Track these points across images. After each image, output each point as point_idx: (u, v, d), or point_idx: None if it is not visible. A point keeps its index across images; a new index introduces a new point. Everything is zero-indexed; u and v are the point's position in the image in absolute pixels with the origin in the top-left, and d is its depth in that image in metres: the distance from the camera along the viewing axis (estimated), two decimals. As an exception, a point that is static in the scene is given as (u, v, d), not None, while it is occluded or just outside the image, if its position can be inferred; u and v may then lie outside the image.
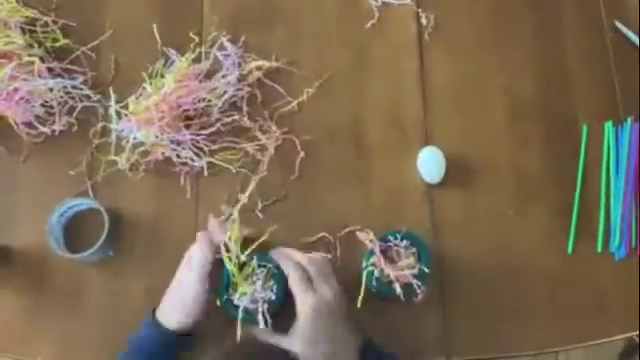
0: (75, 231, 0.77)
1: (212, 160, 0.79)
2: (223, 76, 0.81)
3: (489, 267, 0.75)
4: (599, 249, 0.76)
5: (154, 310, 0.69)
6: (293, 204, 0.78)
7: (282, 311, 0.68)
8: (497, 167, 0.80)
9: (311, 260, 0.67)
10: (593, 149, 0.80)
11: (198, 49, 0.83)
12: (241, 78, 0.82)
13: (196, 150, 0.79)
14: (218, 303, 0.68)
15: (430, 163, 0.77)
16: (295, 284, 0.64)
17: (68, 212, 0.77)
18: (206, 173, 0.78)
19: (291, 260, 0.67)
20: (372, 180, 0.79)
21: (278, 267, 0.68)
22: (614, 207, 0.77)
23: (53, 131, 0.80)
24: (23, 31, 0.82)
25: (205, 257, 0.66)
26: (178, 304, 0.68)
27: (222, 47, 0.83)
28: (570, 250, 0.76)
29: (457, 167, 0.79)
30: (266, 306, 0.66)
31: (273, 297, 0.67)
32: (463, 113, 0.82)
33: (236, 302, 0.67)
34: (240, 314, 0.65)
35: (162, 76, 0.79)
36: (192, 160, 0.78)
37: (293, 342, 0.64)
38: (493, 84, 0.83)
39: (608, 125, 0.81)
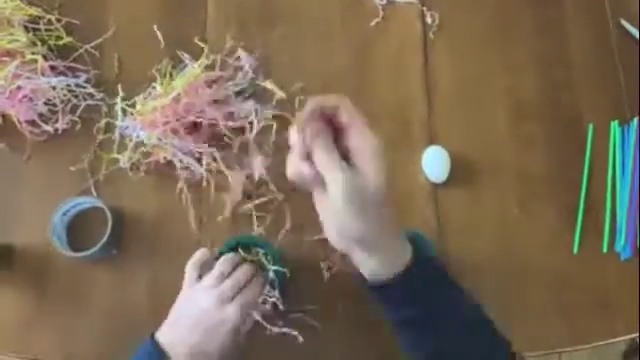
0: (78, 230, 0.77)
1: (211, 169, 0.78)
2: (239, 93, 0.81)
3: (494, 266, 0.75)
4: (605, 249, 0.76)
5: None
6: (296, 203, 0.78)
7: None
8: (502, 166, 0.79)
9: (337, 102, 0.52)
10: (599, 149, 0.80)
11: (212, 57, 0.82)
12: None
13: (198, 156, 0.78)
14: None
15: (435, 162, 0.77)
16: (322, 166, 0.49)
17: (71, 211, 0.77)
18: (205, 184, 0.78)
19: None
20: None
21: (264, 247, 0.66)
22: (620, 207, 0.77)
23: (56, 129, 0.80)
24: (26, 29, 0.81)
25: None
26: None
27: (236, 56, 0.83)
28: (575, 250, 0.76)
29: (462, 166, 0.79)
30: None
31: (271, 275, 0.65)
32: (468, 112, 0.82)
33: None
34: None
35: (171, 77, 0.79)
36: (193, 167, 0.78)
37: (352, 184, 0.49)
38: (498, 83, 0.83)
39: (614, 124, 0.80)
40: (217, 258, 0.64)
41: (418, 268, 0.53)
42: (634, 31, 0.85)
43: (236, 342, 0.61)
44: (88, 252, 0.72)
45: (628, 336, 0.74)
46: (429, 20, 0.85)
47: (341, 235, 0.51)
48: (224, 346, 0.60)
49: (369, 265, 0.53)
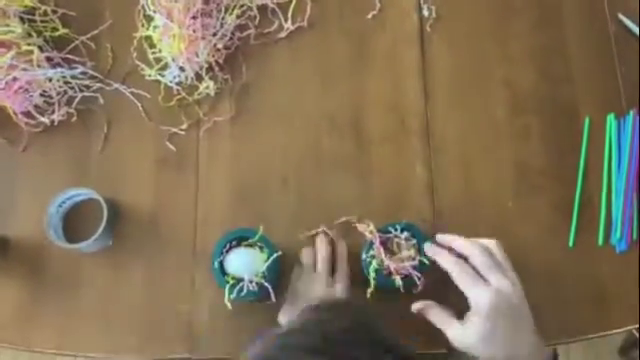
0: (74, 221, 0.77)
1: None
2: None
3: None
4: (600, 242, 0.76)
5: None
6: (292, 196, 0.78)
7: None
8: (498, 159, 0.79)
9: (477, 248, 0.62)
10: (595, 141, 0.80)
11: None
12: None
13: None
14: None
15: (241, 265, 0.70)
16: (461, 281, 0.60)
17: (67, 202, 0.77)
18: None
19: (449, 256, 0.63)
20: (372, 171, 0.79)
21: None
22: (615, 200, 0.77)
23: (52, 121, 0.80)
24: (22, 20, 0.81)
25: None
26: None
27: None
28: (571, 243, 0.76)
29: (457, 158, 0.79)
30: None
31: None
32: (464, 104, 0.81)
33: None
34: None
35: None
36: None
37: (468, 334, 0.59)
38: (494, 76, 0.83)
39: (610, 117, 0.80)
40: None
41: None
42: (632, 25, 0.84)
43: None
44: (83, 244, 0.72)
45: (623, 328, 0.74)
46: (426, 13, 0.85)
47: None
48: None
49: None
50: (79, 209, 0.77)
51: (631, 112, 0.80)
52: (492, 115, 0.81)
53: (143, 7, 0.82)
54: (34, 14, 0.83)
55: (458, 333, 0.60)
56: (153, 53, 0.81)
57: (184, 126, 0.80)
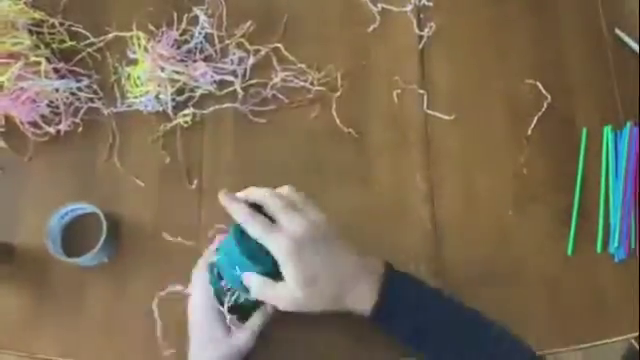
0: (75, 235, 0.78)
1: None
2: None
3: (488, 268, 0.76)
4: (599, 250, 0.77)
5: None
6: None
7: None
8: (497, 169, 0.80)
9: (267, 192, 0.58)
10: (592, 152, 0.81)
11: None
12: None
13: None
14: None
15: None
16: (254, 231, 0.55)
17: (69, 214, 0.77)
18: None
19: (243, 207, 0.57)
20: (373, 181, 0.80)
21: None
22: (613, 209, 0.78)
23: (58, 131, 0.81)
24: (30, 32, 0.83)
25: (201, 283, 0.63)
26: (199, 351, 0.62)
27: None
28: (570, 251, 0.77)
29: (457, 169, 0.80)
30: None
31: None
32: (463, 116, 0.83)
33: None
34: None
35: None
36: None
37: (291, 289, 0.56)
38: (493, 88, 0.84)
39: (607, 129, 0.82)
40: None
41: (392, 286, 0.58)
42: (628, 40, 0.86)
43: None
44: (80, 258, 0.73)
45: (622, 337, 0.74)
46: (425, 27, 0.87)
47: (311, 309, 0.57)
48: None
49: (350, 307, 0.59)
50: (81, 223, 0.78)
51: (628, 124, 0.81)
52: (491, 126, 0.83)
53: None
54: (42, 26, 0.84)
55: (285, 295, 0.56)
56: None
57: (187, 138, 0.82)
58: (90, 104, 0.82)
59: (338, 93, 0.83)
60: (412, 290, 0.60)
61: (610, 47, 0.86)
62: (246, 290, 0.59)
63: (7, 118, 0.81)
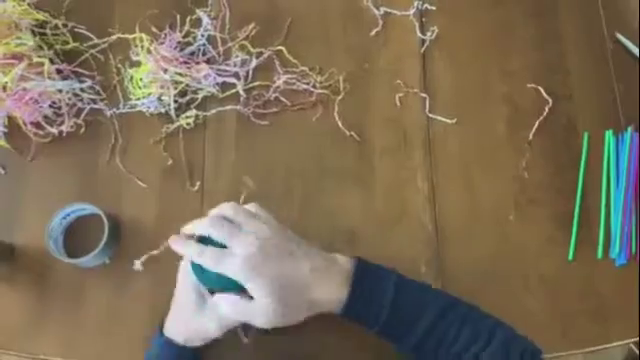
0: (76, 235, 0.78)
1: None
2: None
3: (489, 272, 0.76)
4: (599, 255, 0.77)
5: (161, 327, 0.66)
6: (296, 208, 0.79)
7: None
8: (498, 173, 0.81)
9: (208, 222, 0.59)
10: (594, 157, 0.81)
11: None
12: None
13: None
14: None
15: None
16: (211, 266, 0.57)
17: (71, 215, 0.77)
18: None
19: (191, 244, 0.60)
20: (374, 184, 0.80)
21: None
22: (614, 214, 0.78)
23: (60, 132, 0.81)
24: (34, 33, 0.83)
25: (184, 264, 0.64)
26: (172, 321, 0.65)
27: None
28: (571, 256, 0.77)
29: (459, 172, 0.80)
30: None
31: None
32: (465, 119, 0.83)
33: None
34: None
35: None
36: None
37: (261, 305, 0.57)
38: (495, 92, 0.84)
39: (608, 133, 0.82)
40: None
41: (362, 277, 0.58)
42: (629, 44, 0.86)
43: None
44: (80, 259, 0.73)
45: (622, 342, 0.74)
46: (427, 31, 0.87)
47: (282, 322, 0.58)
48: None
49: (325, 309, 0.59)
50: (82, 224, 0.78)
51: (629, 128, 0.82)
52: (493, 130, 0.83)
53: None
54: (45, 27, 0.84)
55: (257, 311, 0.57)
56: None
57: (190, 140, 0.82)
58: (93, 105, 0.83)
59: (340, 96, 0.84)
60: (384, 282, 0.60)
61: (611, 52, 0.87)
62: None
63: (10, 119, 0.81)
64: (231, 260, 0.57)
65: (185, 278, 0.63)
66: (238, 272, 0.56)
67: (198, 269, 0.61)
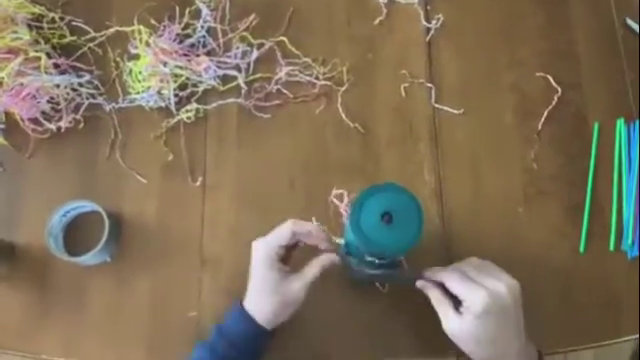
0: (76, 233, 0.77)
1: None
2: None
3: (499, 265, 0.74)
4: (611, 248, 0.75)
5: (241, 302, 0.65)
6: (300, 200, 0.78)
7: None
8: (507, 164, 0.79)
9: (467, 262, 0.63)
10: (604, 146, 0.79)
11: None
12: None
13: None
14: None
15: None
16: (456, 286, 0.59)
17: (71, 212, 0.76)
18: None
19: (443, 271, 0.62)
20: (380, 176, 0.78)
21: None
22: (626, 205, 0.76)
23: (59, 128, 0.80)
24: (30, 27, 0.81)
25: (262, 247, 0.64)
26: (258, 302, 0.64)
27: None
28: (582, 249, 0.75)
29: (466, 164, 0.79)
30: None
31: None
32: (472, 110, 0.81)
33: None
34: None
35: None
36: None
37: (463, 329, 0.59)
38: (502, 81, 0.83)
39: (620, 123, 0.80)
40: None
41: None
42: (639, 29, 0.84)
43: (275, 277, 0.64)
44: (81, 257, 0.72)
45: (634, 336, 0.73)
46: (433, 19, 0.85)
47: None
48: None
49: None
50: (82, 221, 0.77)
51: (641, 116, 0.80)
52: (500, 120, 0.81)
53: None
54: (42, 21, 0.83)
55: (452, 326, 0.59)
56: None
57: (190, 134, 0.81)
58: (91, 100, 0.81)
59: (344, 87, 0.82)
60: None
61: (622, 38, 0.84)
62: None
63: (7, 115, 0.80)
64: (479, 291, 0.58)
65: (264, 258, 0.64)
66: (479, 304, 0.57)
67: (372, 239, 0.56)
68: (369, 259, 0.59)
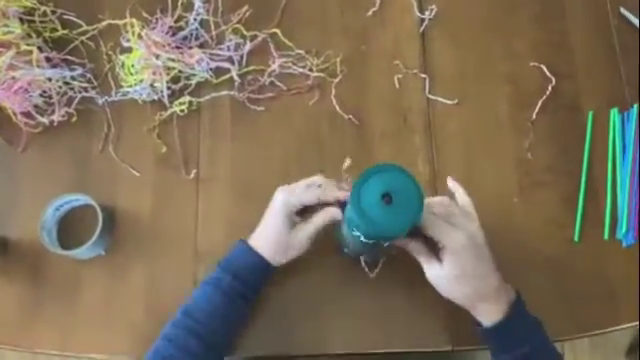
0: (69, 227, 0.77)
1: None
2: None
3: (494, 255, 0.74)
4: (606, 236, 0.75)
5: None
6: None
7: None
8: (501, 155, 0.79)
9: (439, 203, 0.65)
10: (599, 136, 0.79)
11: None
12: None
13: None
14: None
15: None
16: (434, 230, 0.61)
17: (64, 206, 0.76)
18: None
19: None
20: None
21: None
22: (621, 194, 0.76)
23: (52, 121, 0.80)
24: (21, 21, 0.81)
25: (284, 199, 0.67)
26: (265, 242, 0.68)
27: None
28: (576, 238, 0.75)
29: (460, 155, 0.79)
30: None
31: None
32: (466, 100, 0.81)
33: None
34: None
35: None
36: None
37: (444, 274, 0.61)
38: (496, 72, 0.82)
39: (614, 112, 0.80)
40: None
41: (519, 310, 0.64)
42: (634, 19, 0.84)
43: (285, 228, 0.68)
44: (74, 251, 0.72)
45: (631, 324, 0.72)
46: (426, 10, 0.85)
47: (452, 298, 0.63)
48: None
49: (479, 313, 0.63)
50: (76, 214, 0.77)
51: (635, 106, 0.79)
52: (495, 111, 0.81)
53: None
54: (33, 15, 0.82)
55: (435, 271, 0.62)
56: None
57: (184, 127, 0.80)
58: (84, 93, 0.81)
59: (337, 79, 0.82)
60: (526, 321, 0.65)
61: (615, 28, 0.84)
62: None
63: (-1, 109, 0.79)
64: (457, 232, 0.61)
65: (281, 210, 0.67)
66: (457, 242, 0.60)
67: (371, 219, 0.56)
68: (355, 234, 0.59)
